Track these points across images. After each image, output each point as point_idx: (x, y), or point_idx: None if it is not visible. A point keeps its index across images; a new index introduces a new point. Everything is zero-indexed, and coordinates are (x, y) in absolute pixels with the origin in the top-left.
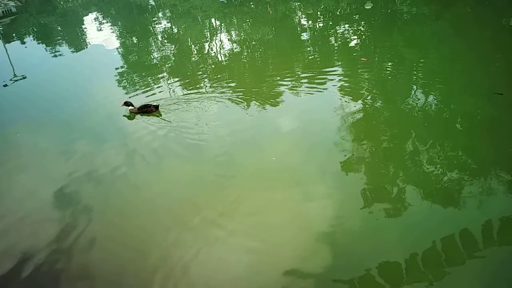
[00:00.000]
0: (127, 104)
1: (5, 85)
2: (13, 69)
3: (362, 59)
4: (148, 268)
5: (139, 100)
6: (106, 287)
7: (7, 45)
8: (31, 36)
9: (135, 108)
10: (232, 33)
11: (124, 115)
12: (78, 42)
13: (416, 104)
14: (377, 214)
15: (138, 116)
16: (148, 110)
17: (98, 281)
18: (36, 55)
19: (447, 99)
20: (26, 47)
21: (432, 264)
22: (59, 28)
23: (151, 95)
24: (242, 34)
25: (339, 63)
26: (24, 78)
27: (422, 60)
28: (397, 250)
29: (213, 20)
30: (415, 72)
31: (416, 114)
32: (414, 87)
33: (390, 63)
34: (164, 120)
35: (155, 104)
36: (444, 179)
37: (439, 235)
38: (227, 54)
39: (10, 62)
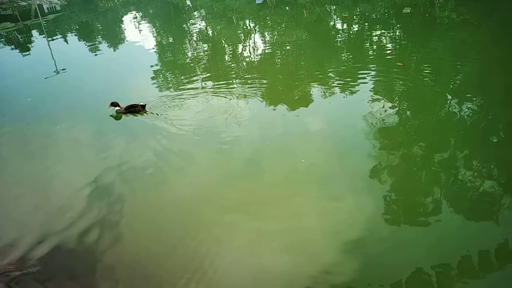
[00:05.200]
0: (114, 104)
1: (46, 78)
2: (55, 64)
3: (397, 63)
4: (176, 264)
5: (172, 98)
6: (131, 282)
7: (50, 42)
8: (73, 33)
9: (121, 108)
10: (266, 34)
11: (110, 115)
12: (117, 39)
13: (452, 112)
14: (408, 224)
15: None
16: (135, 110)
17: (121, 274)
18: (76, 51)
19: (485, 109)
20: (67, 43)
21: (464, 277)
22: (99, 26)
23: (183, 91)
24: (276, 36)
25: (374, 66)
26: (64, 70)
27: (460, 68)
28: (427, 261)
29: (247, 21)
30: (453, 80)
31: (451, 122)
32: (451, 94)
33: (426, 69)
34: (157, 114)
35: (141, 103)
36: (478, 191)
37: (472, 248)
38: (260, 55)
39: (53, 57)
